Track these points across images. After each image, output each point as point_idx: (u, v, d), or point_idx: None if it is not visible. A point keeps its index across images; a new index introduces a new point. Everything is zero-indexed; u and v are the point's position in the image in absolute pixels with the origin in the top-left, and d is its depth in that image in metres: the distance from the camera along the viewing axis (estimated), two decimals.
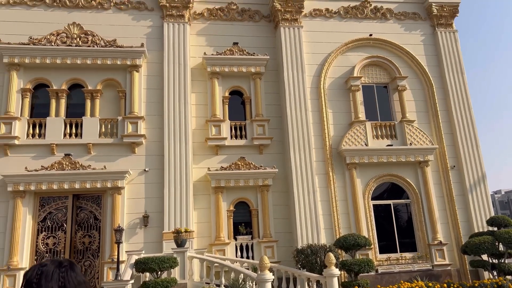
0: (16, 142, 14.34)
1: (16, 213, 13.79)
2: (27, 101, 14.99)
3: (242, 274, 11.76)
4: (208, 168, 15.40)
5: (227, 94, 16.52)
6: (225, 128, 15.92)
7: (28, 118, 14.78)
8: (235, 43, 16.68)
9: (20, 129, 14.50)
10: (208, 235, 15.14)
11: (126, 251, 13.23)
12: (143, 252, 13.09)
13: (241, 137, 16.18)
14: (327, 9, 17.64)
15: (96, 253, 14.42)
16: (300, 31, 16.93)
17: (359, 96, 16.96)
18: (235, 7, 17.22)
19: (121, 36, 15.85)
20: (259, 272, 10.45)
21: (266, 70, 16.79)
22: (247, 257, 14.96)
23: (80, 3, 15.93)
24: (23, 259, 13.58)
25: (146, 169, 15.11)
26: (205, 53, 16.33)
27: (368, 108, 17.13)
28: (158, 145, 15.35)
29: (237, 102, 16.89)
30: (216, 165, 15.71)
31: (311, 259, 12.99)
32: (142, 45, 15.66)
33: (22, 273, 13.33)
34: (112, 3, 16.20)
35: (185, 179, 14.97)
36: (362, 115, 16.76)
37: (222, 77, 16.49)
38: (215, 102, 16.01)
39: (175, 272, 12.31)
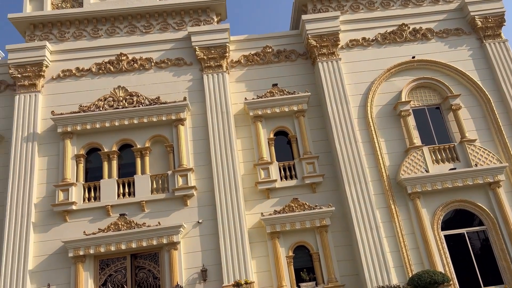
0: (74, 207, 14.68)
1: (78, 278, 13.85)
2: (81, 166, 15.49)
3: None
4: (262, 213, 14.92)
5: (272, 136, 16.26)
6: (274, 170, 15.52)
7: (83, 182, 15.20)
8: (275, 84, 16.61)
9: (76, 194, 14.89)
10: (269, 284, 14.38)
11: None
12: None
13: (291, 177, 15.67)
14: (364, 38, 17.29)
15: None
16: (339, 63, 16.61)
17: (411, 120, 16.08)
18: (270, 50, 17.32)
19: (164, 93, 16.29)
20: None
21: (309, 106, 16.46)
22: None
23: (124, 67, 16.67)
24: None
25: (200, 221, 14.86)
26: (245, 98, 16.35)
27: (423, 132, 16.14)
28: (209, 195, 15.16)
29: (283, 142, 16.56)
30: (269, 209, 15.21)
31: None
32: (184, 99, 15.96)
33: None
34: (153, 63, 16.82)
35: (239, 227, 14.54)
36: (417, 140, 15.79)
37: (265, 119, 16.33)
38: (261, 145, 15.76)
39: None
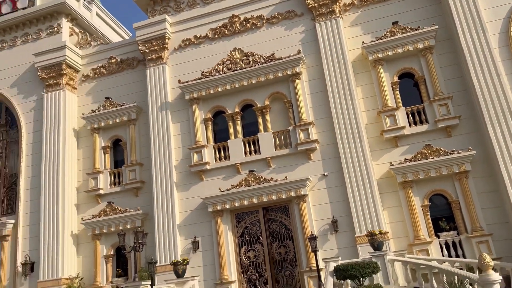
0: (208, 167, 15.85)
1: (218, 231, 15.11)
2: (210, 129, 16.50)
3: (456, 276, 10.15)
4: (390, 163, 14.18)
5: (395, 79, 15.09)
6: (401, 116, 14.49)
7: (213, 144, 16.23)
8: (395, 22, 15.18)
9: (208, 155, 16.00)
10: (404, 235, 13.81)
11: (322, 259, 13.01)
12: (340, 258, 12.63)
13: (421, 123, 14.48)
14: None
15: (293, 263, 14.65)
16: None
17: None
18: None
19: (278, 49, 16.17)
20: (481, 273, 8.76)
21: (437, 42, 14.72)
22: (457, 256, 13.04)
23: (237, 29, 16.93)
24: (231, 273, 14.70)
25: (325, 174, 14.81)
26: (363, 42, 15.31)
27: None
28: (332, 148, 14.92)
29: (408, 85, 15.26)
30: (398, 158, 14.36)
31: None
32: (298, 52, 15.63)
33: (233, 285, 14.45)
34: (264, 20, 16.74)
35: (368, 178, 14.10)
36: None
37: (387, 62, 15.15)
38: (384, 90, 14.76)
39: (378, 278, 11.43)
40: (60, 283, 15.57)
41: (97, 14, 21.98)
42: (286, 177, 14.97)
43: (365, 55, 15.20)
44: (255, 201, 14.95)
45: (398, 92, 14.95)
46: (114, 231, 16.14)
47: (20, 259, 16.44)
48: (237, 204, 15.07)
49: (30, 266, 16.18)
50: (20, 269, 16.29)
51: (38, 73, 18.35)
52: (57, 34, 19.21)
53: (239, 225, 15.52)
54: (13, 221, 17.11)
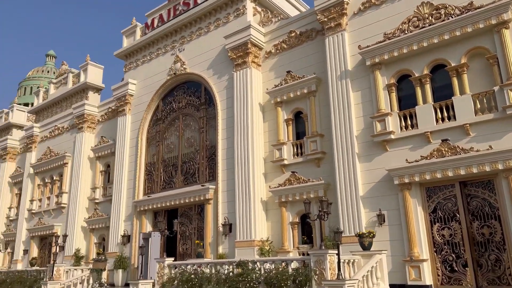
0: (392, 136, 14.75)
1: (407, 205, 13.99)
2: (393, 95, 15.27)
3: None
4: None
5: None
6: None
7: (397, 111, 14.98)
8: None
9: (393, 123, 14.86)
10: None
11: None
12: None
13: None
14: None
15: (500, 246, 12.49)
16: None
17: None
18: None
19: None
20: None
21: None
22: None
23: None
24: (423, 250, 13.49)
25: None
26: None
27: None
28: None
29: None
30: None
31: None
32: None
33: (424, 264, 13.25)
34: None
35: None
36: None
37: None
38: None
39: None
40: (253, 244, 17.08)
41: None
42: (490, 146, 12.72)
43: None
44: (450, 174, 13.22)
45: None
46: (298, 200, 16.73)
47: (220, 220, 18.68)
48: (428, 177, 13.61)
49: (229, 227, 18.23)
50: (221, 229, 18.53)
51: (228, 53, 20.12)
52: (242, 16, 20.60)
53: (430, 200, 14.04)
54: (214, 186, 19.51)
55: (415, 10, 14.91)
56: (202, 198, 19.70)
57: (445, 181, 13.68)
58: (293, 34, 18.90)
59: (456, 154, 13.18)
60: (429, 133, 14.00)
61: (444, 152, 13.46)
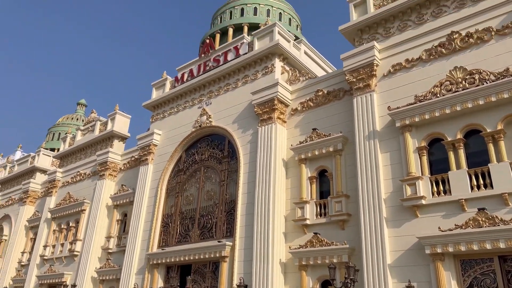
0: (423, 202, 13.95)
1: (440, 278, 12.85)
2: (424, 158, 14.67)
3: None
4: None
5: None
6: None
7: (429, 176, 14.30)
8: None
9: (424, 188, 14.12)
10: None
11: None
12: None
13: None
14: None
15: None
16: None
17: None
18: None
19: None
20: None
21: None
22: None
23: (457, 46, 14.91)
24: None
25: None
26: None
27: None
28: None
29: None
30: None
31: None
32: None
33: None
34: (493, 33, 14.26)
35: None
36: None
37: None
38: None
39: None
40: None
41: (305, 52, 23.18)
42: None
43: None
44: (488, 246, 12.19)
45: None
46: (320, 264, 15.71)
47: (235, 281, 17.62)
48: (463, 248, 12.58)
49: None
50: None
51: (254, 109, 20.19)
52: (270, 74, 20.91)
53: (466, 274, 12.87)
54: (231, 243, 18.68)
55: (448, 74, 14.73)
56: (217, 255, 18.82)
57: (482, 254, 12.60)
58: (320, 93, 18.92)
59: (494, 225, 12.24)
60: (463, 200, 13.18)
61: (481, 222, 12.53)
